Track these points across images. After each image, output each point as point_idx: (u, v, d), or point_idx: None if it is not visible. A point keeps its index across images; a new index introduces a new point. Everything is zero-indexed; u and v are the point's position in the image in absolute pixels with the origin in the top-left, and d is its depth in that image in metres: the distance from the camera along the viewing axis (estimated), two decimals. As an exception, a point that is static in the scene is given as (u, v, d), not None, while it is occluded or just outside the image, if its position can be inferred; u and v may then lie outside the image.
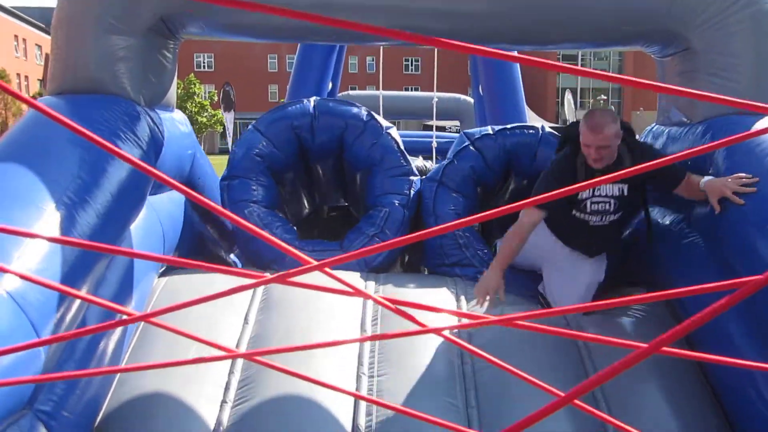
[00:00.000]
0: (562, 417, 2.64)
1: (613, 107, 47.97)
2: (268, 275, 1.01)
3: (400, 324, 3.04)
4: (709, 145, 0.79)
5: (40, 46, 51.20)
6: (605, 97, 50.46)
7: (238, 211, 3.83)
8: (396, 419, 2.63)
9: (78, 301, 2.35)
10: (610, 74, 0.78)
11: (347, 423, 2.65)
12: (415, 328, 1.04)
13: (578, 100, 54.06)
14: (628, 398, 2.80)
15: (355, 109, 4.17)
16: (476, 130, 4.31)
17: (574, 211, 3.36)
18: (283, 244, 1.00)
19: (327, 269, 0.97)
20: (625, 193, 3.32)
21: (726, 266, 2.82)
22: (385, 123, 4.18)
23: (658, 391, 2.85)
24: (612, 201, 3.32)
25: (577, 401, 0.68)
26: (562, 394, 0.66)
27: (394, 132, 4.20)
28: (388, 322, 3.15)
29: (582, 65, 54.95)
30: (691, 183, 3.07)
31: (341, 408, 2.69)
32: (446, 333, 1.14)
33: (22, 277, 0.69)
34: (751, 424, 2.59)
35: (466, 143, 4.16)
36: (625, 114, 52.76)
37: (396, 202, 3.98)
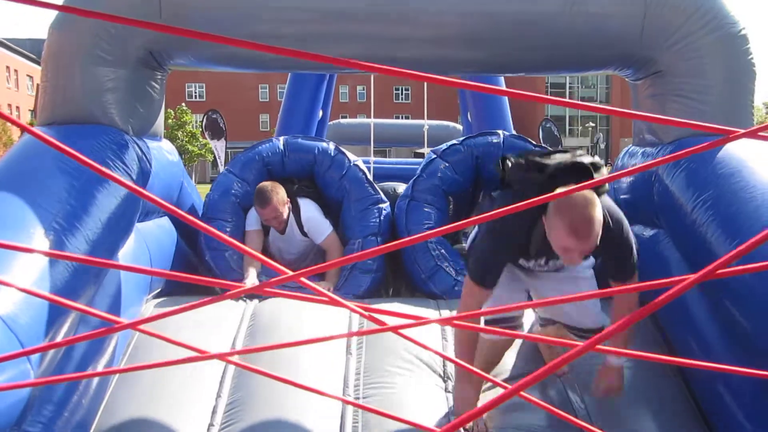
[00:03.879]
0: (544, 425, 2.71)
1: (601, 134, 48.38)
2: (247, 286, 1.06)
3: (383, 346, 3.11)
4: (646, 163, 0.86)
5: (31, 77, 51.41)
6: (593, 124, 51.01)
7: (217, 255, 4.00)
8: (381, 440, 2.67)
9: (67, 324, 2.40)
10: (589, 104, 0.85)
11: (333, 446, 2.68)
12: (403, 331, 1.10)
13: (567, 127, 54.57)
14: (616, 412, 2.87)
15: (323, 144, 4.32)
16: (443, 145, 4.42)
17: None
18: (263, 257, 1.07)
19: (302, 279, 1.03)
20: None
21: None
22: (352, 156, 4.33)
23: (636, 393, 2.92)
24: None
25: (524, 394, 0.74)
26: (509, 387, 0.72)
27: (361, 164, 4.34)
28: (373, 344, 3.20)
29: (570, 93, 55.62)
30: (628, 303, 2.58)
31: (328, 428, 2.72)
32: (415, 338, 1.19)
33: (24, 291, 0.74)
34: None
35: (434, 157, 4.28)
36: (613, 140, 53.27)
37: (367, 232, 4.10)
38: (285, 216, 4.00)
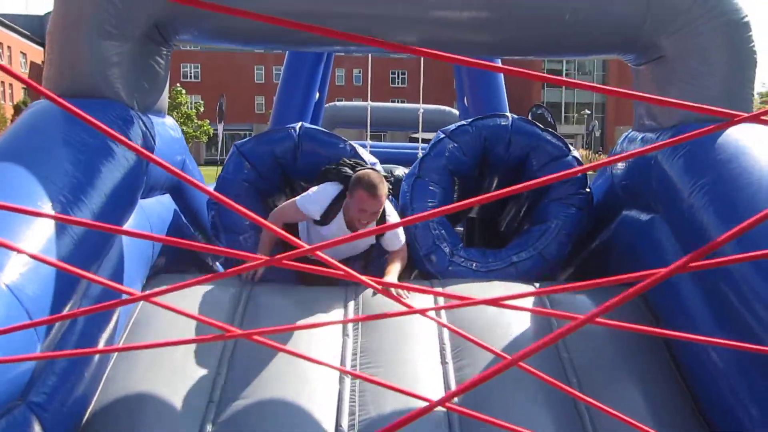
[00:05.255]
0: (539, 401, 2.76)
1: (596, 122, 48.39)
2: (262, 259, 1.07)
3: (379, 329, 3.14)
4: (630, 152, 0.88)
5: (25, 54, 50.94)
6: (589, 112, 51.03)
7: (232, 238, 3.91)
8: (378, 419, 2.70)
9: (73, 297, 2.41)
10: (592, 84, 0.86)
11: (330, 423, 2.71)
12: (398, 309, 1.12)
13: (562, 114, 54.56)
14: (603, 385, 2.93)
15: (341, 144, 4.16)
16: (452, 125, 4.39)
17: None
18: (281, 231, 1.08)
19: (318, 253, 1.05)
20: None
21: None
22: (370, 159, 4.18)
23: (629, 375, 2.99)
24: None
25: (523, 364, 0.76)
26: (509, 357, 0.74)
27: (378, 168, 4.13)
28: (369, 327, 3.23)
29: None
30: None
31: (324, 409, 2.76)
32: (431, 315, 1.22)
33: (35, 257, 0.75)
34: (720, 412, 2.72)
35: (442, 136, 4.26)
36: (609, 128, 53.32)
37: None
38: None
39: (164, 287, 0.83)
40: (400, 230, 3.70)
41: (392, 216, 3.64)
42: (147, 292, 0.80)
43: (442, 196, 4.11)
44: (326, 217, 3.57)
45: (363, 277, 1.12)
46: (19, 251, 0.92)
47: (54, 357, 1.56)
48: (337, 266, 1.08)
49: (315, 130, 4.27)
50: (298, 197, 3.63)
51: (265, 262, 1.05)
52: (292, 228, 3.78)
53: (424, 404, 2.59)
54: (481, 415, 0.93)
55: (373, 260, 3.94)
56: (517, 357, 0.79)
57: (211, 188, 3.99)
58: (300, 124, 4.25)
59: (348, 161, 3.73)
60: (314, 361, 1.05)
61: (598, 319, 0.84)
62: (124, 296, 3.02)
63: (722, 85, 3.32)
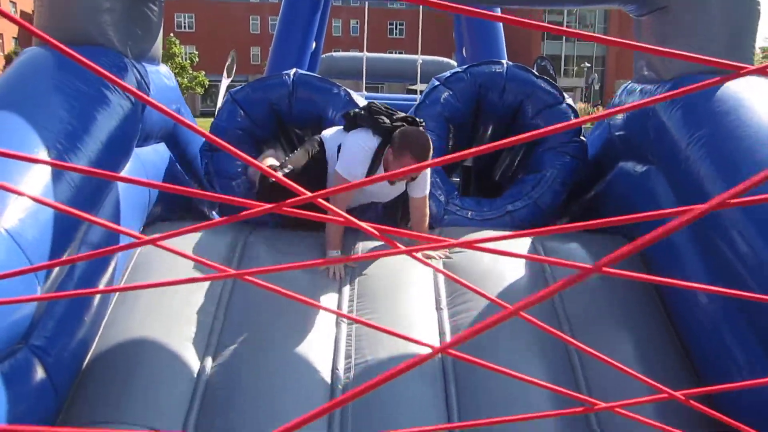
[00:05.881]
0: (532, 350, 2.83)
1: (596, 75, 47.91)
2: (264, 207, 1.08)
3: (376, 276, 3.18)
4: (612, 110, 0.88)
5: (14, 3, 49.88)
6: (589, 65, 50.43)
7: (225, 184, 3.90)
8: (373, 363, 2.76)
9: (72, 242, 2.43)
10: (592, 34, 0.85)
11: (326, 366, 2.77)
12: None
13: (562, 67, 53.97)
14: (595, 334, 2.99)
15: (335, 90, 4.11)
16: (446, 72, 4.35)
17: None
18: (279, 176, 1.09)
19: (320, 200, 1.05)
20: None
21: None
22: (362, 103, 4.04)
23: (621, 326, 3.05)
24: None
25: (524, 314, 0.78)
26: (509, 306, 0.75)
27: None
28: (365, 274, 3.27)
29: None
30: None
31: (321, 352, 2.81)
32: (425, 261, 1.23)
33: (37, 200, 0.75)
34: (708, 359, 2.79)
35: (437, 84, 4.23)
36: (608, 82, 52.84)
37: None
38: None
39: (167, 232, 0.84)
40: (428, 179, 3.60)
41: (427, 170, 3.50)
42: (150, 237, 0.81)
43: (437, 143, 4.06)
44: (369, 174, 3.36)
45: (364, 225, 1.13)
46: (21, 194, 0.93)
47: (56, 297, 1.57)
48: (337, 213, 1.08)
49: (309, 76, 4.21)
50: (337, 166, 3.43)
51: (266, 209, 1.05)
52: (320, 179, 3.60)
53: (417, 347, 2.65)
54: (478, 360, 0.95)
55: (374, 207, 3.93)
56: (518, 306, 0.80)
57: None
58: (294, 70, 4.19)
59: (379, 106, 3.55)
60: (310, 303, 1.07)
61: (606, 269, 0.84)
62: (123, 241, 3.05)
63: (724, 36, 3.28)
